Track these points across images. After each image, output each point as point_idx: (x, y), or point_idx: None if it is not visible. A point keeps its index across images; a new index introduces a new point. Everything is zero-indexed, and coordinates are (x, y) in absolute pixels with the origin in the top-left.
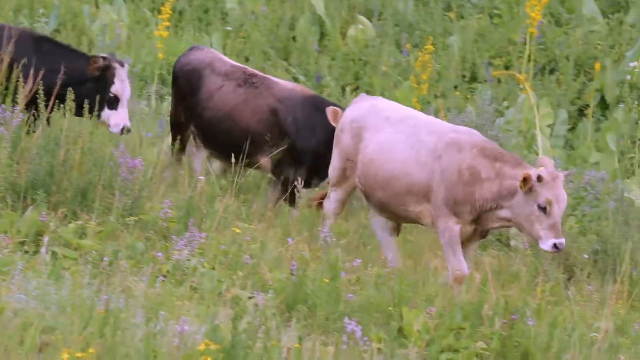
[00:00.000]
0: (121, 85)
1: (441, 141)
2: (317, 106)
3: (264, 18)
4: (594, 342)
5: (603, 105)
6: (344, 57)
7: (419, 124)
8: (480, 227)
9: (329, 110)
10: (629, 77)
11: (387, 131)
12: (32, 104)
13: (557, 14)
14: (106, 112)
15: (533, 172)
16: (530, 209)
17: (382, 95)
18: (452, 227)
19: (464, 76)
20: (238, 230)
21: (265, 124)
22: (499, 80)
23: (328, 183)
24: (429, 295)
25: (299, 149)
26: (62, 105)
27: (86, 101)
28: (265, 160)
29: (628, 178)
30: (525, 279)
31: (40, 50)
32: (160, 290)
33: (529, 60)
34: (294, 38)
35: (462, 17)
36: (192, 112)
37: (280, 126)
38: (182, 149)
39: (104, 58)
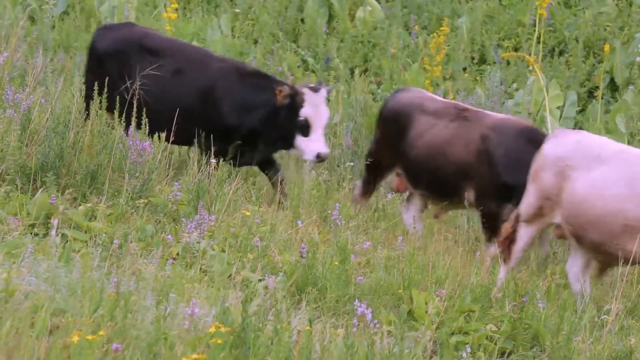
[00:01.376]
0: (313, 110)
1: None
2: (531, 138)
3: (273, 0)
4: (604, 325)
5: (612, 87)
6: (353, 39)
7: (632, 158)
8: None
9: None
10: (638, 58)
11: (600, 169)
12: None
13: None
14: (299, 139)
15: None
16: None
17: (391, 77)
18: None
19: (472, 58)
20: (248, 213)
21: (474, 155)
22: (508, 62)
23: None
24: (438, 278)
25: (507, 183)
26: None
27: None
28: (469, 193)
29: None
30: (535, 261)
31: (245, 84)
32: (170, 273)
33: (538, 42)
34: (302, 20)
35: None
36: (400, 153)
37: (489, 157)
38: (374, 188)
39: (290, 86)
